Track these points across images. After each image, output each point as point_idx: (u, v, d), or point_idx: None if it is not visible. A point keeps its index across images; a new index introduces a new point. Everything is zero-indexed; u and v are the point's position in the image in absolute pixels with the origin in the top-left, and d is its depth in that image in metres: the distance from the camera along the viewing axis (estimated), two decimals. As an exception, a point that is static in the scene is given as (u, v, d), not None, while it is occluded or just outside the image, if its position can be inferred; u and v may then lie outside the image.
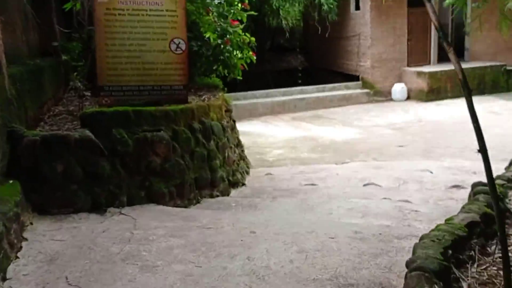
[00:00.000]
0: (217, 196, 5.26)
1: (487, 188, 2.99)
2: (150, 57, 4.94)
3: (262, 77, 17.36)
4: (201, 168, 5.04)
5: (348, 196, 5.37)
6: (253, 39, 7.01)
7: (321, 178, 6.61)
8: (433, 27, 15.17)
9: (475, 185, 3.86)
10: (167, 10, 4.98)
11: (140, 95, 4.94)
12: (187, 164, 4.77)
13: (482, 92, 14.64)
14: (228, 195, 5.60)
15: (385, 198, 4.96)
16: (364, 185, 6.02)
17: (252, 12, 6.88)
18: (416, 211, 4.41)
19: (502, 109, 12.13)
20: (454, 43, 17.00)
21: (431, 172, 6.75)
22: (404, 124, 11.42)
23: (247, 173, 6.99)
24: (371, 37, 14.97)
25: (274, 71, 18.20)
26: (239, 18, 6.66)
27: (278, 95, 14.87)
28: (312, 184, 6.08)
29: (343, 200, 4.85)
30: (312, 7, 15.29)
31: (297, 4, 14.94)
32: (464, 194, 5.26)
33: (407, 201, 4.88)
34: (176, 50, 4.98)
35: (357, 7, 15.66)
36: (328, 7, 15.01)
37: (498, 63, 15.01)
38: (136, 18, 4.89)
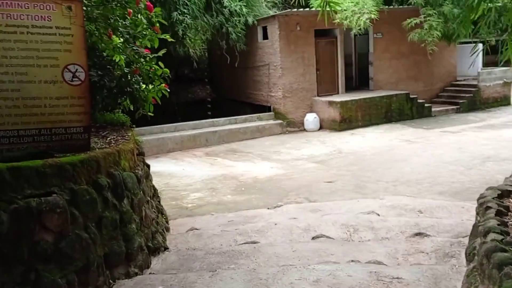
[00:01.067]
0: (135, 274, 3.92)
1: None
2: (34, 90, 3.56)
3: (168, 109, 16.05)
4: (113, 239, 3.70)
5: (300, 257, 4.37)
6: (166, 70, 5.87)
7: (258, 230, 5.54)
8: (340, 56, 15.22)
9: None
10: (57, 28, 3.64)
11: (20, 143, 3.52)
12: (93, 237, 3.42)
13: (390, 120, 14.85)
14: (148, 267, 4.28)
15: (352, 261, 4.01)
16: (313, 238, 5.07)
17: (166, 36, 5.73)
18: (398, 278, 3.52)
19: (415, 137, 12.18)
20: (359, 73, 17.33)
21: (378, 214, 6.03)
22: (325, 156, 10.87)
23: (167, 229, 5.69)
24: (281, 67, 14.53)
25: (180, 103, 16.99)
26: (151, 43, 5.48)
27: (187, 129, 13.69)
28: (252, 242, 4.98)
29: (302, 268, 3.81)
30: (219, 35, 14.50)
31: (203, 33, 14.04)
32: (430, 245, 4.56)
33: (378, 262, 3.99)
34: (72, 80, 3.66)
35: (265, 37, 15.20)
36: (236, 36, 14.34)
37: (402, 92, 15.39)
38: (11, 37, 3.50)
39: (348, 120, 14.20)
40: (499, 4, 14.00)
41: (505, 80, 17.17)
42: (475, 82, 17.08)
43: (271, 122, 14.77)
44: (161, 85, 5.89)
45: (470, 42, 18.93)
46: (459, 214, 6.00)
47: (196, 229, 5.85)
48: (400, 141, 11.88)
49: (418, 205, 6.45)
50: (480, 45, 18.22)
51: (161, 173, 10.28)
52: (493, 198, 4.55)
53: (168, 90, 5.97)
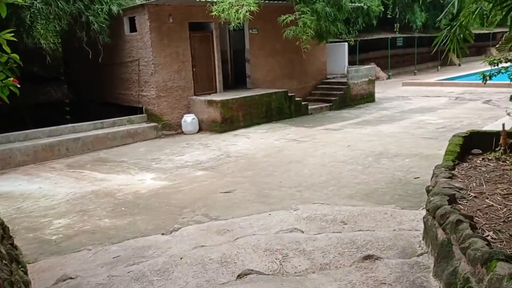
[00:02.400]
0: None
1: None
2: None
3: (14, 114, 13.33)
4: None
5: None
6: (15, 56, 4.11)
7: (159, 270, 4.15)
8: (216, 53, 14.21)
9: None
10: None
11: None
12: None
13: (270, 119, 14.29)
14: None
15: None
16: (239, 276, 3.87)
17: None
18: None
19: (300, 136, 11.70)
20: (235, 71, 16.52)
21: (302, 231, 5.08)
22: (213, 161, 9.70)
23: (26, 285, 3.97)
24: (154, 63, 12.96)
25: (29, 106, 14.28)
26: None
27: (42, 137, 11.34)
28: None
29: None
30: (78, 25, 12.36)
31: (57, 21, 11.77)
32: (387, 271, 3.69)
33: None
34: None
35: (133, 29, 13.46)
36: (99, 27, 12.36)
37: (281, 90, 14.96)
38: None
39: (229, 120, 13.24)
40: (363, 5, 14.22)
41: (370, 77, 17.94)
42: (344, 80, 17.52)
43: (144, 125, 13.10)
44: (8, 79, 4.14)
45: (335, 41, 19.55)
46: (386, 221, 5.35)
47: (71, 278, 4.22)
48: (287, 141, 11.28)
49: (338, 214, 5.67)
50: (346, 44, 18.89)
51: (10, 195, 8.10)
52: (451, 207, 3.88)
53: (19, 86, 4.23)
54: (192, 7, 13.43)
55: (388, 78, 27.25)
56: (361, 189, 7.12)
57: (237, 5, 12.40)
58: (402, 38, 29.23)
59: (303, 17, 13.59)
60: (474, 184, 5.00)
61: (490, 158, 5.94)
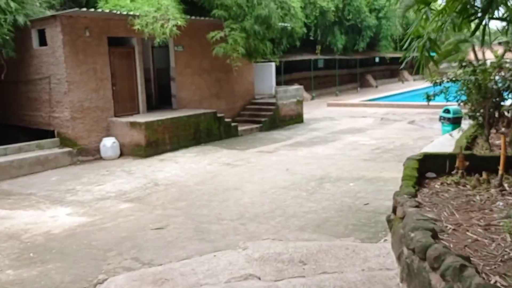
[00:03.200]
0: None
1: None
2: None
3: None
4: None
5: None
6: None
7: None
8: (139, 70, 13.16)
9: None
10: None
11: None
12: None
13: (199, 141, 13.40)
14: None
15: None
16: None
17: None
18: None
19: (233, 160, 10.94)
20: (159, 90, 15.50)
21: (259, 278, 4.26)
22: (139, 191, 8.59)
23: None
24: (68, 81, 11.57)
25: None
26: None
27: None
28: None
29: None
30: (-24, 36, 10.70)
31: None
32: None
33: None
34: None
35: (43, 42, 11.99)
36: (2, 39, 10.81)
37: (210, 111, 14.15)
38: None
39: (155, 143, 12.14)
40: (288, 26, 13.86)
41: (298, 98, 17.73)
42: (273, 100, 17.14)
43: (57, 150, 11.57)
44: None
45: (261, 61, 19.23)
46: (350, 259, 4.70)
47: None
48: (220, 165, 10.45)
49: (294, 253, 4.94)
50: (273, 64, 18.62)
51: None
52: (442, 246, 3.28)
53: None
54: (111, 21, 12.29)
55: (312, 99, 27.53)
56: (311, 219, 6.46)
57: (162, 19, 11.50)
58: (323, 60, 29.87)
59: (233, 34, 13.00)
60: (445, 213, 4.52)
61: (448, 182, 5.57)
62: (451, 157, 6.15)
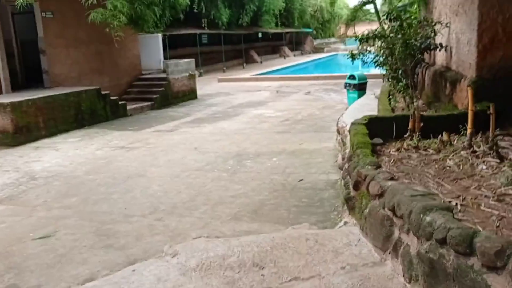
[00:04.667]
0: None
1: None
2: None
3: None
4: None
5: None
6: None
7: None
8: (-3, 40, 10.66)
9: None
10: None
11: None
12: None
13: (82, 124, 11.40)
14: None
15: None
16: None
17: None
18: None
19: (129, 142, 9.30)
20: (25, 66, 12.93)
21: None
22: (10, 189, 6.61)
23: None
24: None
25: None
26: None
27: None
28: None
29: None
30: None
31: None
32: None
33: None
34: None
35: None
36: None
37: (92, 87, 12.10)
38: None
39: (26, 129, 9.90)
40: None
41: (190, 72, 16.29)
42: (163, 75, 15.50)
43: None
44: None
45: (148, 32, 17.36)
46: (317, 254, 3.65)
47: None
48: (113, 149, 8.76)
49: (242, 253, 3.76)
50: (160, 36, 16.86)
51: None
52: (500, 237, 2.36)
53: None
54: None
55: (200, 75, 26.10)
56: (243, 205, 5.31)
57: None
58: (207, 36, 28.53)
59: (113, -2, 11.08)
60: (431, 184, 3.69)
61: (405, 147, 4.80)
62: (398, 119, 5.43)
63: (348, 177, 4.58)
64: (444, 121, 5.20)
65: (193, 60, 16.97)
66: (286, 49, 43.08)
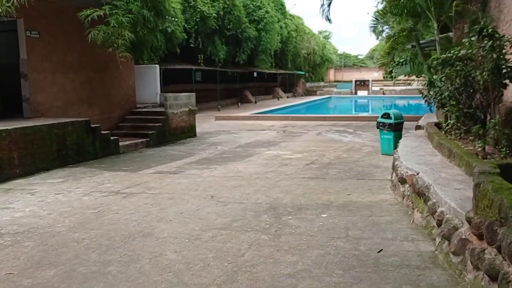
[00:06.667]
0: None
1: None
2: None
3: None
4: None
5: None
6: None
7: None
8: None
9: None
10: None
11: None
12: None
13: (65, 161, 9.56)
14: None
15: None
16: None
17: None
18: None
19: (125, 187, 7.47)
20: (2, 92, 11.16)
21: None
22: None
23: None
24: None
25: None
26: None
27: None
28: None
29: None
30: None
31: None
32: None
33: None
34: None
35: None
36: None
37: (81, 119, 10.31)
38: None
39: (-5, 166, 8.02)
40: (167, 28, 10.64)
41: (190, 107, 14.66)
42: (160, 109, 13.83)
43: None
44: None
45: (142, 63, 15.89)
46: None
47: None
48: (106, 195, 6.90)
49: None
50: (157, 67, 15.33)
51: None
52: None
53: None
54: None
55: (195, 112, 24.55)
56: (314, 291, 3.50)
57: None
58: (201, 73, 27.18)
59: (117, 13, 9.52)
60: None
61: None
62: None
63: (471, 256, 2.86)
64: None
65: (194, 94, 15.36)
66: (279, 91, 42.16)
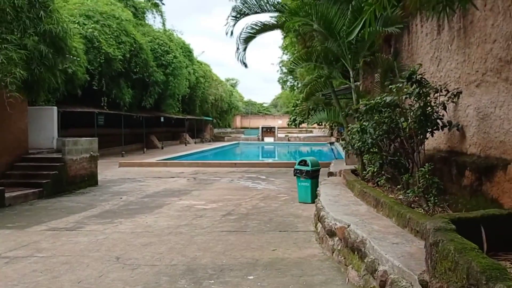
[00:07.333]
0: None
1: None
2: None
3: None
4: None
5: None
6: None
7: None
8: None
9: None
10: None
11: None
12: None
13: None
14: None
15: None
16: None
17: None
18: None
19: (8, 249, 6.20)
20: None
21: None
22: None
23: None
24: None
25: None
26: None
27: None
28: None
29: None
30: None
31: None
32: None
33: None
34: None
35: None
36: None
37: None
38: None
39: None
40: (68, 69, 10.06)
41: (91, 153, 13.40)
42: (57, 156, 12.42)
43: None
44: None
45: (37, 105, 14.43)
46: None
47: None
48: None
49: None
50: (55, 109, 13.99)
51: None
52: None
53: None
54: None
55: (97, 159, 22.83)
56: None
57: None
58: (104, 117, 25.72)
59: (7, 48, 8.36)
60: None
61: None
62: (485, 220, 3.52)
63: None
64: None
65: (96, 139, 14.11)
66: (187, 136, 41.47)
